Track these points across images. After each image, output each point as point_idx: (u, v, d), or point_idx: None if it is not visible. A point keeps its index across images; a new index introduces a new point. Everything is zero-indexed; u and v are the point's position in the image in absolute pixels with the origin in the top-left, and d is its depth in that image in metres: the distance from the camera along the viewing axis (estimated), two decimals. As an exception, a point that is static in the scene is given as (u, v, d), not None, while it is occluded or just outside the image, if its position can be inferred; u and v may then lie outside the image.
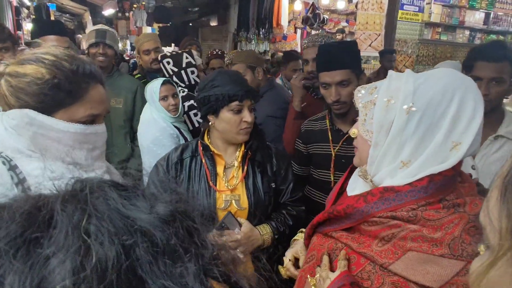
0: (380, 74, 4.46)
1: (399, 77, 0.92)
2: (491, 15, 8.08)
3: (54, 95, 0.92)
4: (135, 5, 13.77)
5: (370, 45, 6.47)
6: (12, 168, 0.89)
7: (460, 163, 0.86)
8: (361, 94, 0.96)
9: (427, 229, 0.83)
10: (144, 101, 2.55)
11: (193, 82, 2.48)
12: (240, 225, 1.36)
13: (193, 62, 2.48)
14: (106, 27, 2.59)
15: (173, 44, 10.51)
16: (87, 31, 12.55)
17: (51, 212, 0.27)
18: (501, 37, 8.49)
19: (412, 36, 7.09)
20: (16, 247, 0.24)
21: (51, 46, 0.99)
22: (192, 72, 2.47)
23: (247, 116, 1.41)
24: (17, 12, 7.61)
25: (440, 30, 7.62)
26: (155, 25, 12.93)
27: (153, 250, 0.26)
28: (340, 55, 1.61)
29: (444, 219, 0.83)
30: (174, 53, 2.54)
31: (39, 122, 0.91)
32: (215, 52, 3.54)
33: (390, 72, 0.95)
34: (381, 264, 0.86)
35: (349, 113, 1.66)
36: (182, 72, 2.44)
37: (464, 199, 0.86)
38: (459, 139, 0.83)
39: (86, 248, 0.24)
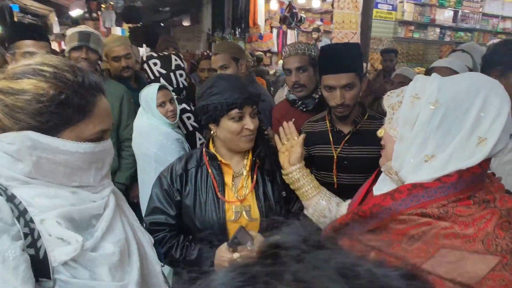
0: (380, 75, 4.51)
1: (425, 78, 0.94)
2: (459, 13, 8.40)
3: (62, 112, 0.80)
4: (103, 5, 13.34)
5: (347, 44, 6.58)
6: (10, 198, 0.78)
7: (488, 161, 0.87)
8: (389, 96, 0.99)
9: (458, 225, 0.83)
10: (130, 109, 2.44)
11: (181, 86, 2.39)
12: (253, 239, 1.30)
13: (182, 65, 2.40)
14: (90, 29, 2.42)
15: (144, 45, 10.26)
16: (55, 31, 12.04)
17: None
18: (468, 34, 8.83)
19: (386, 35, 7.25)
20: None
21: (45, 55, 0.86)
22: (181, 75, 2.39)
23: (249, 123, 1.34)
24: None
25: (413, 28, 7.83)
26: (125, 26, 12.59)
27: None
28: (346, 58, 1.58)
29: (475, 214, 0.83)
30: (161, 54, 2.44)
31: (44, 145, 0.80)
32: (206, 53, 3.48)
33: (417, 75, 0.97)
34: (413, 264, 0.84)
35: (350, 115, 1.65)
36: (171, 74, 2.34)
37: (493, 195, 0.88)
38: (485, 135, 0.85)
39: None
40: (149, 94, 2.14)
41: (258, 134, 1.43)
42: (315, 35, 8.01)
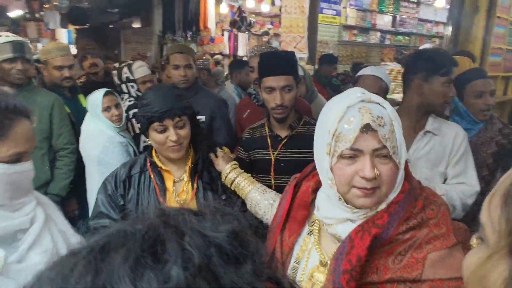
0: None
1: (387, 104, 0.95)
2: (397, 18, 8.97)
3: None
4: (45, 5, 12.68)
5: (295, 47, 6.78)
6: None
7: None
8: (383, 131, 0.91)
9: (433, 227, 0.88)
10: (62, 117, 2.40)
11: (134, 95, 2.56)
12: None
13: (131, 78, 2.54)
14: (20, 38, 2.32)
15: (93, 47, 9.94)
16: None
17: (157, 232, 0.36)
18: (406, 38, 9.44)
19: (332, 38, 7.59)
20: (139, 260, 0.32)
21: None
22: (132, 87, 2.52)
23: (172, 135, 1.39)
24: None
25: (356, 32, 8.25)
26: (71, 27, 12.07)
27: (224, 258, 0.35)
28: (284, 62, 1.71)
29: (439, 213, 0.90)
30: (120, 65, 2.64)
31: None
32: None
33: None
34: (413, 279, 0.84)
35: (288, 119, 1.77)
36: (123, 86, 2.47)
37: (425, 191, 0.96)
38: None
39: (187, 257, 0.33)
40: (96, 99, 2.24)
41: (196, 143, 1.52)
42: (265, 38, 8.21)
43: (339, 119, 0.89)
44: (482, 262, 0.47)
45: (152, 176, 1.48)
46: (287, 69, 1.69)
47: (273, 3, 8.41)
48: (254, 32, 8.85)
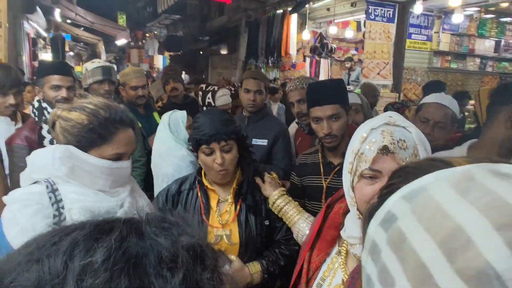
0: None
1: (414, 128, 0.95)
2: (502, 43, 8.17)
3: (89, 136, 1.16)
4: (147, 34, 14.38)
5: (378, 74, 6.59)
6: (53, 190, 1.14)
7: None
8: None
9: None
10: (137, 132, 2.66)
11: None
12: (230, 262, 1.41)
13: (213, 104, 2.88)
14: (108, 63, 2.77)
15: (183, 72, 10.87)
16: (102, 58, 13.03)
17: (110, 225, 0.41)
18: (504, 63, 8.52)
19: (421, 65, 7.20)
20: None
21: (95, 97, 1.26)
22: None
23: (218, 158, 1.45)
24: (33, 43, 8.04)
25: (449, 58, 7.71)
26: (166, 54, 13.42)
27: (160, 262, 0.39)
28: (330, 91, 1.70)
29: None
30: (207, 88, 3.03)
31: (77, 157, 1.16)
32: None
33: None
34: None
35: (340, 146, 1.73)
36: (204, 108, 2.86)
37: None
38: None
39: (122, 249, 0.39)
40: (181, 117, 2.45)
41: (243, 166, 1.57)
42: (348, 64, 8.12)
43: (363, 140, 0.93)
44: None
45: (199, 194, 1.56)
46: (334, 98, 1.68)
47: (358, 29, 8.34)
48: (337, 58, 8.83)
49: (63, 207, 1.12)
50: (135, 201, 1.27)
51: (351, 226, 0.99)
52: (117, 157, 1.20)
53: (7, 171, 2.20)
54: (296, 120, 2.68)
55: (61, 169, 1.15)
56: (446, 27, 7.36)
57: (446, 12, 7.06)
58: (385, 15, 6.46)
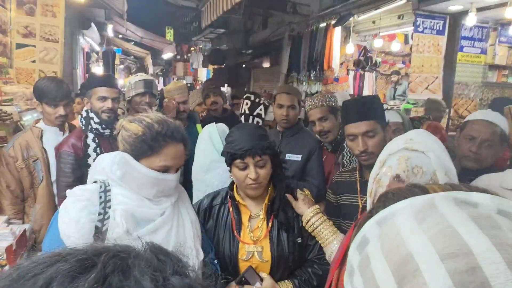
0: None
1: (434, 153, 0.94)
2: None
3: (141, 147, 1.28)
4: (192, 48, 14.92)
5: (426, 88, 6.36)
6: (106, 191, 1.26)
7: None
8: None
9: None
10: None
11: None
12: (262, 279, 1.42)
13: (262, 117, 2.98)
14: (150, 77, 2.93)
15: (226, 85, 11.13)
16: (150, 71, 13.65)
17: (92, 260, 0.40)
18: None
19: (474, 79, 6.87)
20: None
21: (154, 112, 1.37)
22: (258, 122, 2.89)
23: (251, 173, 1.48)
24: (87, 57, 8.63)
25: (507, 72, 7.30)
26: (210, 67, 13.82)
27: None
28: (364, 107, 1.68)
29: None
30: (257, 100, 3.16)
31: (129, 164, 1.27)
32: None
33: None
34: None
35: None
36: (250, 117, 2.84)
37: None
38: None
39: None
40: (225, 130, 2.55)
41: (275, 182, 1.58)
42: (394, 78, 7.93)
43: (381, 165, 0.95)
44: None
45: (230, 209, 1.59)
46: (368, 113, 1.66)
47: (406, 41, 8.14)
48: (383, 72, 8.65)
49: (109, 207, 1.23)
50: (178, 212, 1.35)
51: None
52: (164, 169, 1.29)
53: (53, 177, 2.38)
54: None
55: (116, 173, 1.28)
56: (502, 39, 6.99)
57: (503, 24, 6.71)
58: (435, 27, 6.26)
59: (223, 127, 2.54)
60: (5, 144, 2.56)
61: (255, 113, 3.05)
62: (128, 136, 1.29)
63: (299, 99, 2.69)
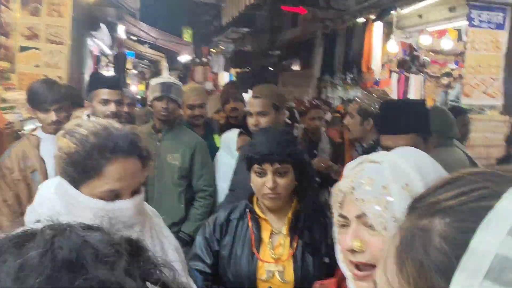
0: None
1: (391, 162, 0.91)
2: None
3: (75, 169, 1.12)
4: (213, 50, 15.21)
5: (484, 92, 6.20)
6: None
7: None
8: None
9: None
10: (203, 160, 2.82)
11: None
12: None
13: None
14: (172, 79, 2.97)
15: (250, 91, 11.24)
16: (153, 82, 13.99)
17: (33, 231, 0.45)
18: None
19: (542, 80, 6.64)
20: None
21: (98, 119, 1.26)
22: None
23: (268, 181, 1.48)
24: (97, 61, 8.95)
25: None
26: (233, 71, 14.02)
27: (97, 257, 0.42)
28: (406, 116, 1.65)
29: None
30: None
31: (69, 193, 1.13)
32: (314, 102, 4.13)
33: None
34: None
35: None
36: None
37: None
38: None
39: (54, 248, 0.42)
40: (231, 138, 2.73)
41: (301, 195, 1.58)
42: (445, 80, 7.78)
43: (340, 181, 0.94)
44: None
45: (249, 224, 1.59)
46: (411, 125, 1.63)
47: (459, 38, 7.99)
48: (432, 74, 8.49)
49: None
50: (154, 243, 1.22)
51: None
52: (112, 194, 1.12)
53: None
54: None
55: (58, 205, 1.15)
56: None
57: None
58: (493, 21, 6.13)
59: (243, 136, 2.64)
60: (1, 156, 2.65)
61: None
62: (59, 157, 1.13)
63: (277, 101, 2.47)
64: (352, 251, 0.85)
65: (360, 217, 0.86)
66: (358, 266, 0.87)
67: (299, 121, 4.32)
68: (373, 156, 0.92)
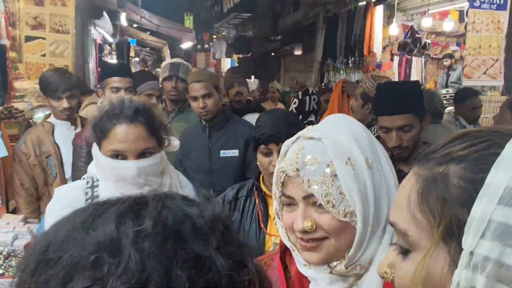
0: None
1: (331, 138, 0.90)
2: None
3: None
4: (214, 36, 15.18)
5: (485, 73, 6.22)
6: (93, 186, 1.34)
7: None
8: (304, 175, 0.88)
9: None
10: None
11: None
12: None
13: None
14: (180, 60, 3.10)
15: (252, 77, 11.25)
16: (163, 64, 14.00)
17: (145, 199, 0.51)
18: None
19: (543, 61, 6.65)
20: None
21: (113, 94, 1.46)
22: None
23: (275, 160, 1.53)
24: (100, 49, 9.00)
25: None
26: (235, 56, 14.02)
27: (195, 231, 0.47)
28: (402, 98, 1.72)
29: None
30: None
31: (95, 153, 1.36)
32: (323, 86, 4.28)
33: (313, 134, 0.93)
34: None
35: (412, 155, 1.75)
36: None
37: None
38: None
39: (162, 219, 0.47)
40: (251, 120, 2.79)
41: None
42: (446, 62, 7.80)
43: (282, 158, 0.93)
44: (420, 265, 0.51)
45: (256, 201, 1.69)
46: (407, 106, 1.70)
47: (461, 20, 7.98)
48: (433, 56, 8.51)
49: None
50: None
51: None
52: (115, 154, 1.30)
53: (68, 174, 2.56)
54: None
55: (93, 166, 1.37)
56: None
57: None
58: (494, 2, 6.13)
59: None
60: (17, 142, 2.77)
61: (311, 108, 3.34)
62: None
63: (215, 82, 2.64)
64: (303, 232, 0.86)
65: (308, 197, 0.86)
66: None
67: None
68: (310, 132, 0.92)
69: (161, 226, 0.46)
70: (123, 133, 1.29)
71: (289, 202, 0.91)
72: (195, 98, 2.52)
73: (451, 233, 0.49)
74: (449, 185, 0.50)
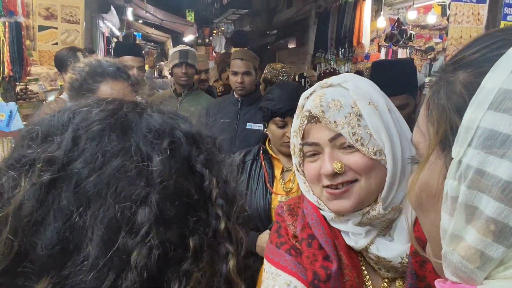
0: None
1: (351, 82, 0.87)
2: None
3: (76, 94, 1.29)
4: (214, 31, 15.05)
5: (465, 62, 6.20)
6: None
7: None
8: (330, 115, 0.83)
9: None
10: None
11: None
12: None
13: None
14: (187, 47, 3.05)
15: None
16: (171, 51, 13.88)
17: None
18: None
19: (519, 50, 6.63)
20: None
21: (94, 57, 1.36)
22: None
23: (289, 131, 1.53)
24: (108, 41, 8.87)
25: (556, 42, 7.00)
26: (233, 50, 13.87)
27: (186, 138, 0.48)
28: (398, 78, 1.66)
29: None
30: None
31: None
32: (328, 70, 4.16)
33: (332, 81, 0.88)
34: None
35: None
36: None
37: None
38: None
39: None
40: None
41: None
42: (430, 55, 7.76)
43: (300, 111, 0.88)
44: (417, 174, 0.47)
45: (263, 164, 1.66)
46: (402, 86, 1.65)
47: (443, 14, 7.92)
48: (418, 47, 8.47)
49: None
50: None
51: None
52: None
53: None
54: None
55: None
56: (552, 6, 6.69)
57: (552, -11, 6.42)
58: (475, -5, 6.08)
59: None
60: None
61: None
62: (66, 87, 1.33)
63: (255, 64, 2.68)
64: (333, 175, 0.80)
65: (334, 139, 0.81)
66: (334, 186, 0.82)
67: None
68: (327, 81, 0.87)
69: (107, 117, 0.45)
70: (109, 89, 1.28)
71: (313, 151, 0.84)
72: (236, 73, 2.58)
73: (446, 141, 0.43)
74: (451, 93, 0.43)
